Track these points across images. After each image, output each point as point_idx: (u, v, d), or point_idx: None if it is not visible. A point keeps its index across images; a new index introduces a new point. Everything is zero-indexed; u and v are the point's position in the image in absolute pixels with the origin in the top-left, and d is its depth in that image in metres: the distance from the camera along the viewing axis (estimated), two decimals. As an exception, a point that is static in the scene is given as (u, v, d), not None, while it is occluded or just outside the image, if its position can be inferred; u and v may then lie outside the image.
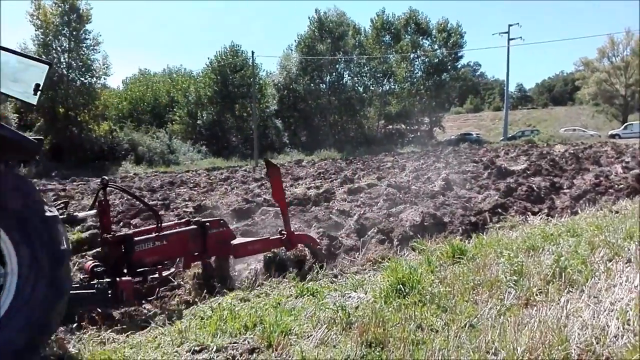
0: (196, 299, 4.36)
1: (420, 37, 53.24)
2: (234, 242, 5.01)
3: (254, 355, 2.99)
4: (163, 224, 4.82)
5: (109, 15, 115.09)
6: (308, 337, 3.17)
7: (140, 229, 5.18)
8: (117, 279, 4.00)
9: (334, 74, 48.40)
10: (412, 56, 52.49)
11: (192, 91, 45.36)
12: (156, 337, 3.41)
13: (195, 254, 4.77)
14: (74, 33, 32.00)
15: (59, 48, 32.16)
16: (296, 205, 9.44)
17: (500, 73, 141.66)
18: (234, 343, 3.12)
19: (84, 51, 32.93)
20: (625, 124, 46.06)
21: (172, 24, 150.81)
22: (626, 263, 4.20)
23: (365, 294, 3.93)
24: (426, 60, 52.79)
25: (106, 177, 4.52)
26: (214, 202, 10.27)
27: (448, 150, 28.61)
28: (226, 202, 10.37)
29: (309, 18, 47.72)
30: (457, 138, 48.41)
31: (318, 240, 5.67)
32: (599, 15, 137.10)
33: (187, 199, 11.71)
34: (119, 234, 4.41)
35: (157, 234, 4.49)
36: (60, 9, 31.34)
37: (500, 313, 3.28)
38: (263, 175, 18.58)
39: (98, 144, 33.33)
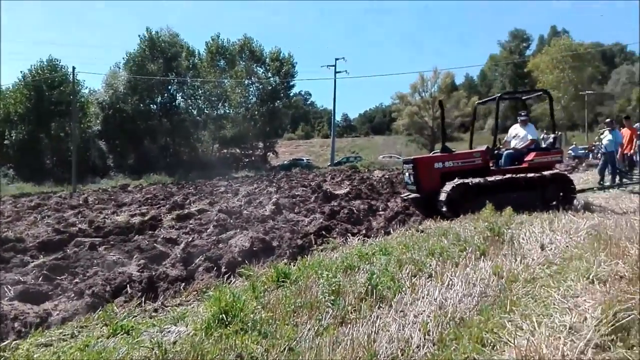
0: None
1: (255, 64, 54.59)
2: None
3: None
4: None
5: None
6: (119, 381, 2.90)
7: None
8: None
9: (165, 95, 46.76)
10: (246, 82, 53.41)
11: (0, 107, 39.74)
12: None
13: None
14: None
15: None
16: (117, 234, 8.76)
17: (328, 103, 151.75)
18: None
19: None
20: (433, 152, 52.72)
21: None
22: (428, 278, 4.63)
23: (187, 326, 3.76)
24: (260, 87, 54.18)
25: None
26: (17, 234, 9.00)
27: (280, 175, 29.47)
28: (33, 233, 9.18)
29: (139, 36, 45.66)
30: (290, 163, 50.29)
31: None
32: (412, 54, 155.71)
33: (-17, 230, 10.05)
34: None
35: None
36: None
37: (318, 333, 3.38)
38: (81, 202, 16.94)
39: None
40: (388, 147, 60.82)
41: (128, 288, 5.07)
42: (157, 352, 3.12)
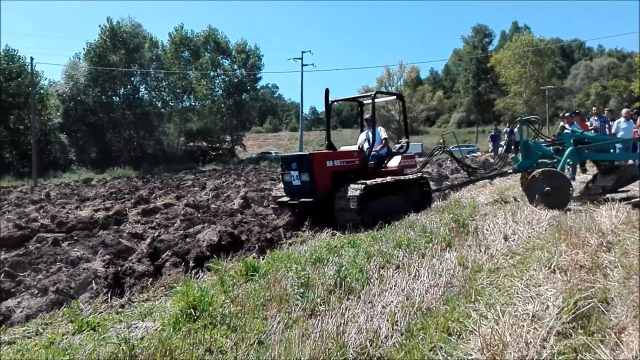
0: None
1: (220, 56, 53.87)
2: None
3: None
4: None
5: None
6: (84, 379, 2.85)
7: None
8: None
9: (128, 86, 45.60)
10: (212, 74, 52.66)
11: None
12: None
13: None
14: None
15: None
16: (80, 229, 8.54)
17: (295, 96, 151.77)
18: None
19: None
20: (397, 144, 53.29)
21: None
22: (395, 269, 4.70)
23: (154, 322, 3.71)
24: (226, 79, 53.51)
25: None
26: (-27, 231, 8.66)
27: (249, 168, 29.24)
28: (-8, 230, 8.85)
29: (100, 26, 44.26)
30: (258, 156, 50.01)
31: None
32: (379, 49, 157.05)
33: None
34: None
35: None
36: None
37: (288, 326, 3.39)
38: (43, 197, 16.41)
39: None
40: (356, 140, 60.94)
41: (93, 284, 4.95)
42: (124, 348, 3.07)
